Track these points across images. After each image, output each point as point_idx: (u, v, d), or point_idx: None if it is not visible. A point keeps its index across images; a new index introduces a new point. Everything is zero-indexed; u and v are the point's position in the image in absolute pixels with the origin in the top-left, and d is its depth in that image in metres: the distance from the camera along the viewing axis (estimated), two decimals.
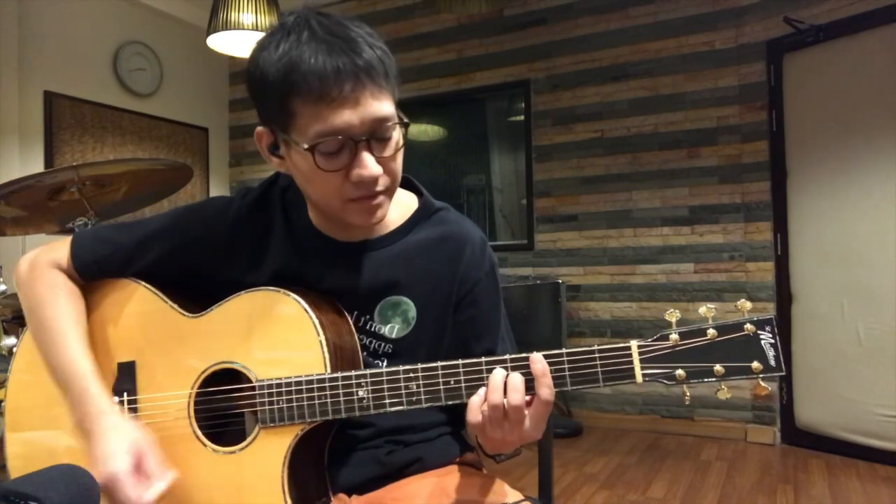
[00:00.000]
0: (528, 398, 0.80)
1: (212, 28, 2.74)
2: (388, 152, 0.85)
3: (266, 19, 2.72)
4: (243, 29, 2.69)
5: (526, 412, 0.80)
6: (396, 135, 0.86)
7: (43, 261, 1.00)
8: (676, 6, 3.71)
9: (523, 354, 0.82)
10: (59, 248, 1.01)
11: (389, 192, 0.90)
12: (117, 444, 0.85)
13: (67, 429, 0.98)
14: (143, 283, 1.00)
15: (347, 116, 0.80)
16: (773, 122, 3.48)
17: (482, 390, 0.81)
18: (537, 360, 0.80)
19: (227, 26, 2.68)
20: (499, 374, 0.80)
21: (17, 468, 1.00)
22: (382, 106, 0.83)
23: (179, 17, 4.55)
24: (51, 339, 0.96)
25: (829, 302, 3.23)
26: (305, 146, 0.82)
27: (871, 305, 3.06)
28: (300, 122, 0.82)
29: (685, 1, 3.69)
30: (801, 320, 3.36)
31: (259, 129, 0.90)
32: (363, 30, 0.84)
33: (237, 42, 2.90)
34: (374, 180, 0.85)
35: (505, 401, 0.79)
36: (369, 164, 0.83)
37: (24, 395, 1.02)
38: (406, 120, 0.87)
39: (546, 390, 0.79)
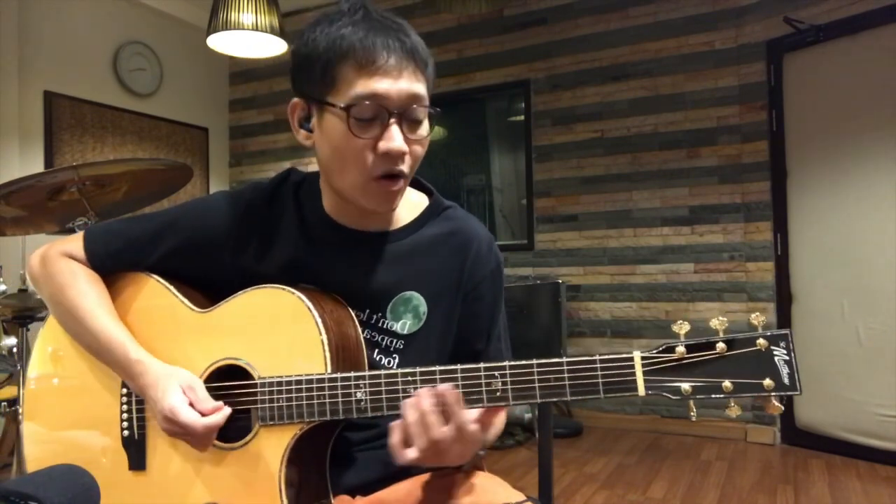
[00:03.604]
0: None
1: (212, 28, 2.74)
2: (416, 136, 0.90)
3: (266, 19, 2.72)
4: (243, 29, 2.69)
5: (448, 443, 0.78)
6: (426, 125, 0.91)
7: (55, 252, 1.02)
8: (676, 6, 3.71)
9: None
10: (71, 242, 1.03)
11: (407, 180, 0.93)
12: (167, 384, 0.91)
13: (79, 410, 1.02)
14: (155, 276, 1.01)
15: (386, 85, 0.85)
16: (773, 122, 3.48)
17: (395, 432, 0.79)
18: (450, 394, 0.77)
19: (227, 26, 2.68)
20: (413, 417, 0.78)
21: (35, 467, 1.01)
22: (419, 86, 0.88)
23: (179, 17, 4.55)
24: (80, 319, 0.98)
25: (829, 302, 3.23)
26: (342, 105, 0.86)
27: (871, 305, 3.06)
28: (341, 86, 0.86)
29: (685, 1, 3.69)
30: (801, 320, 3.36)
31: (294, 100, 0.94)
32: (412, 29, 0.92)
33: (237, 42, 2.90)
34: (401, 155, 0.88)
35: (428, 440, 0.77)
36: (396, 138, 0.87)
37: (45, 379, 1.05)
38: (437, 108, 0.92)
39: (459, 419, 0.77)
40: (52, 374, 1.05)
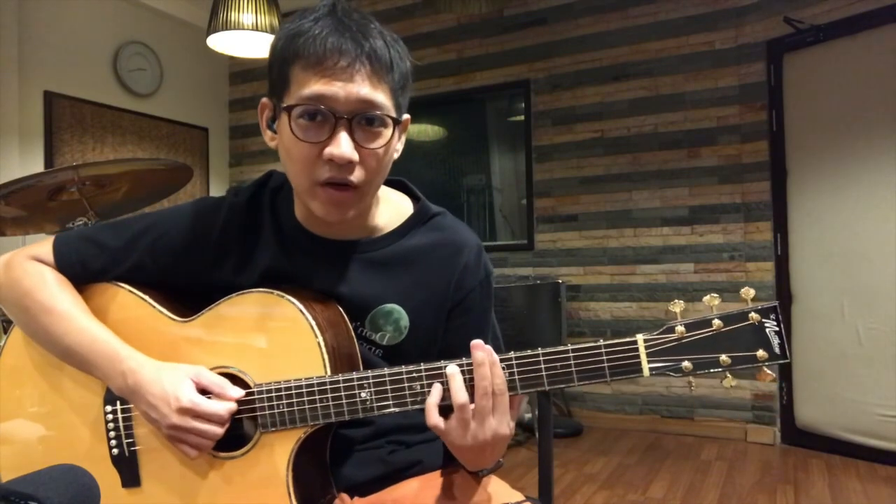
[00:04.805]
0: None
1: (212, 28, 2.74)
2: (371, 144, 0.84)
3: (266, 19, 2.72)
4: (243, 29, 2.69)
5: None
6: (387, 133, 0.85)
7: (20, 257, 0.97)
8: (676, 6, 3.71)
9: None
10: (38, 247, 0.98)
11: (363, 192, 0.87)
12: (173, 377, 0.87)
13: (56, 432, 0.97)
14: (128, 287, 0.97)
15: (335, 88, 0.81)
16: (773, 122, 3.48)
17: (436, 391, 0.81)
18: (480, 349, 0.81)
19: (227, 26, 2.68)
20: (458, 374, 0.81)
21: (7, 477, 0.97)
22: (374, 92, 0.83)
23: (179, 17, 4.55)
24: (54, 322, 0.92)
25: (829, 302, 3.23)
26: (285, 105, 0.83)
27: (871, 305, 3.06)
28: (293, 87, 0.83)
29: (685, 1, 3.69)
30: (801, 320, 3.36)
31: (264, 99, 0.91)
32: (387, 32, 0.87)
33: (237, 42, 2.90)
34: (347, 164, 0.82)
35: (470, 401, 0.80)
36: (343, 144, 0.81)
37: (12, 401, 0.99)
38: (399, 118, 0.87)
39: (497, 380, 0.80)
40: (21, 397, 0.98)
